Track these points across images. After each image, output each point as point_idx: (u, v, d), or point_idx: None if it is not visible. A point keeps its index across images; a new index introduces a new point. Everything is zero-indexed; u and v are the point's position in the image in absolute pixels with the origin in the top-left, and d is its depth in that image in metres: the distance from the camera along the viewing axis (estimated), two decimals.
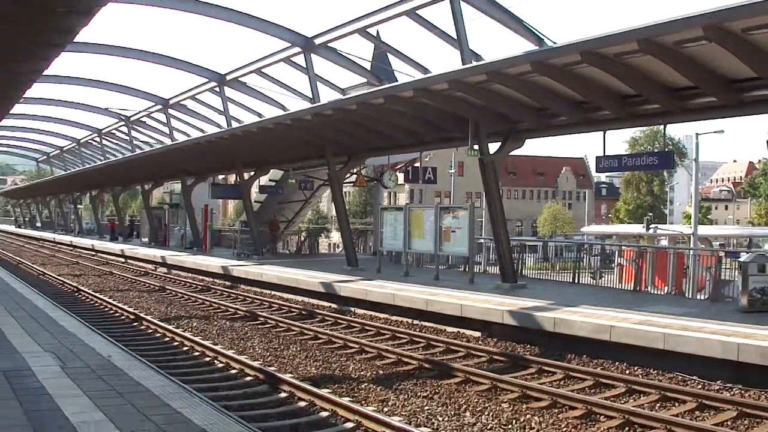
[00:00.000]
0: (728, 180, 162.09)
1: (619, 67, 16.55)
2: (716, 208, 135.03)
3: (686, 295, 22.41)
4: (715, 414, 11.25)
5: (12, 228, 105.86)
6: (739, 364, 12.85)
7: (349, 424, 10.53)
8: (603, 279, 29.65)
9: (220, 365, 14.69)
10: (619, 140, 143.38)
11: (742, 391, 12.43)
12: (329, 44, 27.87)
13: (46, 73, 18.90)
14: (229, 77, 34.44)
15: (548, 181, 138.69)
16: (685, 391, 12.26)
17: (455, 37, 22.52)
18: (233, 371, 14.14)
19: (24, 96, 25.93)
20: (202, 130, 40.79)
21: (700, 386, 12.84)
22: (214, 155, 37.83)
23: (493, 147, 22.69)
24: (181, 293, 26.93)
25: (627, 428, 10.56)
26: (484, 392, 12.69)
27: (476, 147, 22.40)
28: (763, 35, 14.01)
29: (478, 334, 17.99)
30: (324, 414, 11.11)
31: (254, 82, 34.20)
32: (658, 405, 11.85)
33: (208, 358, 15.32)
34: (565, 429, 10.58)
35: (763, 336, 13.55)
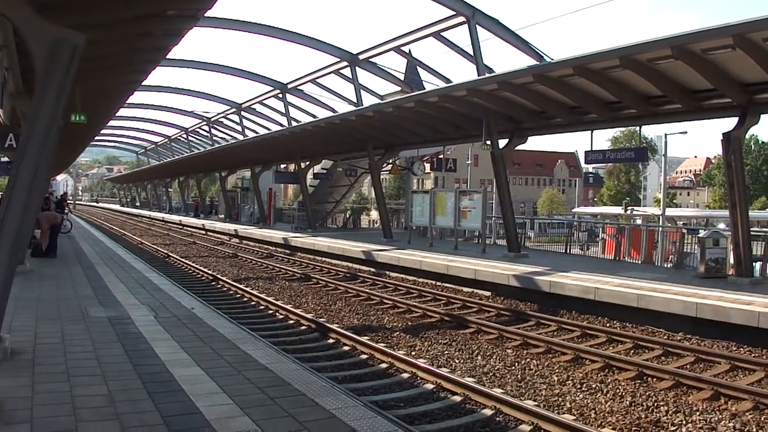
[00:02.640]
0: (690, 172, 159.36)
1: (604, 78, 16.39)
2: (680, 195, 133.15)
3: (656, 263, 22.22)
4: (677, 359, 11.18)
5: (117, 206, 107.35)
6: (696, 319, 12.73)
7: (384, 365, 10.55)
8: (589, 250, 29.49)
9: (281, 317, 14.76)
10: (603, 138, 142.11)
11: (699, 341, 12.33)
12: (371, 59, 28.03)
13: (144, 83, 19.03)
14: (290, 86, 34.68)
15: (546, 171, 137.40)
16: (654, 340, 12.18)
17: (472, 54, 22.50)
18: (291, 321, 14.20)
19: (127, 101, 26.14)
20: (267, 129, 41.05)
21: (665, 336, 12.75)
22: (278, 148, 37.94)
23: (502, 142, 22.51)
24: (250, 259, 27.03)
25: (607, 370, 10.49)
26: (492, 340, 12.67)
27: (488, 142, 22.27)
28: (719, 54, 13.85)
29: (488, 293, 17.91)
30: (363, 356, 11.14)
31: (310, 90, 34.45)
32: (632, 351, 11.78)
33: (270, 311, 15.39)
34: (557, 370, 10.52)
35: (716, 297, 13.40)
